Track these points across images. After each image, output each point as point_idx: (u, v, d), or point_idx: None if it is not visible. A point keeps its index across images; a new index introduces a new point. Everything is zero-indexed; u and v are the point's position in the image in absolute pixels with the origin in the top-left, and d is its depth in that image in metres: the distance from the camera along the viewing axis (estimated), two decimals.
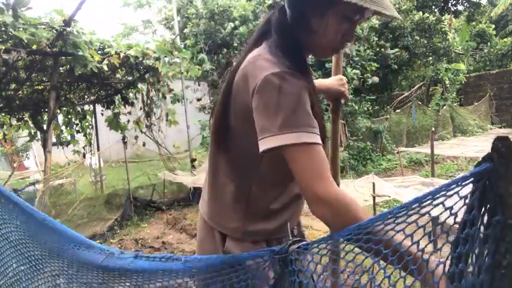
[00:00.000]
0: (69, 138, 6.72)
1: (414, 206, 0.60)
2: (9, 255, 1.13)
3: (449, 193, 0.55)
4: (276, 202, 1.09)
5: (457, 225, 0.54)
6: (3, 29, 3.42)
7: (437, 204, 0.57)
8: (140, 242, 4.60)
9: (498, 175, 0.49)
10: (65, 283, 1.06)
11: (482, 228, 0.51)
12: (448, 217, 0.56)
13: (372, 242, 0.67)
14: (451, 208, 0.56)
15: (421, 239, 0.61)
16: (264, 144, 0.88)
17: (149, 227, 5.27)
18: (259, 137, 0.90)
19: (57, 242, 1.06)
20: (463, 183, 0.54)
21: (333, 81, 1.37)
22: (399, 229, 0.63)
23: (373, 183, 3.50)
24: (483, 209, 0.51)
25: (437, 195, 0.57)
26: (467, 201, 0.54)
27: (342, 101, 1.42)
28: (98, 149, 7.00)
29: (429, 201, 0.58)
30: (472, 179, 0.53)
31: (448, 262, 0.56)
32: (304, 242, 0.78)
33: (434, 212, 0.58)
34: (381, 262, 0.68)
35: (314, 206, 0.87)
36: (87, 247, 1.00)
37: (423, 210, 0.59)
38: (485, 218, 0.51)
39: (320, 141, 0.89)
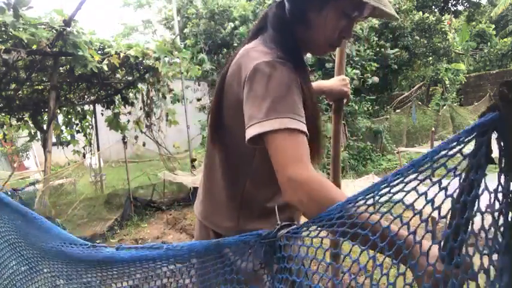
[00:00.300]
0: (69, 138, 6.72)
1: (410, 172, 0.53)
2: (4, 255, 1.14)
3: (451, 152, 0.47)
4: (272, 201, 1.06)
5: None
6: (3, 29, 3.42)
7: (438, 167, 0.49)
8: (140, 242, 4.60)
9: (506, 125, 0.42)
10: (51, 277, 1.07)
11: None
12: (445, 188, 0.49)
13: (359, 227, 0.61)
14: (454, 170, 0.48)
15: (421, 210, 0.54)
16: (248, 133, 0.85)
17: (149, 227, 5.27)
18: (246, 126, 0.87)
19: (44, 241, 1.06)
20: (465, 139, 0.46)
21: (336, 82, 1.36)
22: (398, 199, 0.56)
23: (373, 182, 3.50)
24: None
25: (437, 157, 0.49)
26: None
27: (344, 101, 1.41)
28: (98, 149, 6.99)
29: (427, 165, 0.50)
30: (475, 133, 0.45)
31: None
32: (294, 226, 0.74)
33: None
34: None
35: (289, 190, 0.80)
36: (71, 243, 1.00)
37: (421, 176, 0.52)
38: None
39: (305, 131, 0.85)
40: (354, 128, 8.53)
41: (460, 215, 0.49)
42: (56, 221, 3.77)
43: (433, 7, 12.44)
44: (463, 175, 0.48)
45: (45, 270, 1.09)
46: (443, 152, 0.48)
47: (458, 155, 0.48)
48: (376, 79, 8.70)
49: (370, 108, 9.53)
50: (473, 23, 15.42)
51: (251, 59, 0.91)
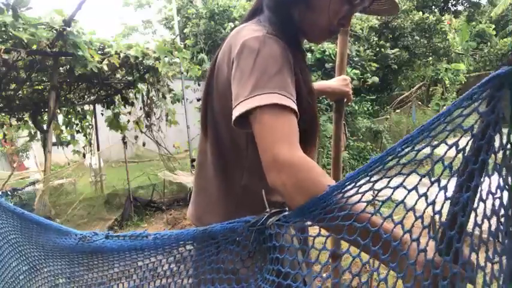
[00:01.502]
0: (69, 138, 6.72)
1: (421, 138, 0.47)
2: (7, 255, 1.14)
3: (466, 112, 0.44)
4: (274, 194, 0.92)
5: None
6: (3, 29, 3.42)
7: (453, 129, 0.45)
8: None
9: None
10: (48, 272, 1.07)
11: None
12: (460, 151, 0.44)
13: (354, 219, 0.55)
14: (471, 129, 0.43)
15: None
16: (234, 114, 0.77)
17: (149, 227, 5.27)
18: (232, 107, 0.79)
19: (39, 235, 1.07)
20: (480, 96, 0.42)
21: (337, 82, 1.36)
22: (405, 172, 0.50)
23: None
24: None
25: (450, 118, 0.44)
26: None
27: (346, 101, 1.41)
28: (98, 149, 7.00)
29: (442, 127, 0.45)
30: (490, 87, 0.41)
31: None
32: (285, 213, 0.67)
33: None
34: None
35: (273, 172, 0.72)
36: (63, 234, 1.00)
37: (436, 142, 0.47)
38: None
39: (296, 110, 0.76)
40: (354, 128, 8.53)
41: (478, 173, 0.45)
42: (55, 221, 3.77)
43: (433, 7, 12.44)
44: (479, 133, 0.44)
45: (45, 270, 1.09)
46: (457, 112, 0.44)
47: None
48: (376, 79, 8.71)
49: (370, 108, 9.54)
50: (473, 23, 15.42)
51: (241, 36, 0.85)
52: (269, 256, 0.68)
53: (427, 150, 0.49)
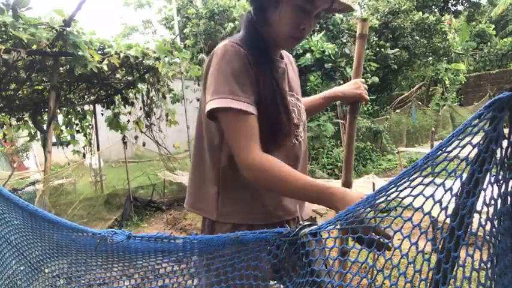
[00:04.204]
0: (69, 138, 6.72)
1: (439, 154, 0.56)
2: (10, 255, 1.14)
3: (475, 130, 0.52)
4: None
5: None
6: (3, 29, 3.42)
7: (465, 145, 0.53)
8: None
9: None
10: (66, 268, 1.07)
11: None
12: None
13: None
14: (478, 145, 0.52)
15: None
16: (205, 110, 0.99)
17: (149, 227, 5.28)
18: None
19: (53, 231, 1.06)
20: (486, 116, 0.50)
21: (349, 86, 1.39)
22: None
23: (373, 183, 3.50)
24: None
25: (463, 135, 0.53)
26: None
27: (363, 103, 1.42)
28: (98, 149, 6.99)
29: (455, 144, 0.53)
30: (493, 109, 0.49)
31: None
32: (316, 226, 0.74)
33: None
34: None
35: (245, 172, 0.97)
36: (79, 232, 1.00)
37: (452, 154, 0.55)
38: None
39: (249, 110, 0.96)
40: None
41: (482, 181, 0.54)
42: None
43: (433, 7, 12.44)
44: (483, 148, 0.53)
45: (46, 270, 1.09)
46: (468, 130, 0.52)
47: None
48: (376, 79, 8.71)
49: (370, 108, 9.54)
50: (473, 23, 15.42)
51: (216, 48, 1.04)
52: (299, 264, 0.74)
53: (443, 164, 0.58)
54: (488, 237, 0.54)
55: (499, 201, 0.52)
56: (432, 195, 0.57)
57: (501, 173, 0.52)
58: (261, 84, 1.01)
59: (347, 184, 1.29)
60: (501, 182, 0.52)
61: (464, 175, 0.55)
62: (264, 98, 1.01)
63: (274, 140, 1.05)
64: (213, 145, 1.10)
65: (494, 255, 0.53)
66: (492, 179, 0.53)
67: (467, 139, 0.52)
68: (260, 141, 1.00)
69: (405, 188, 0.61)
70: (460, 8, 14.11)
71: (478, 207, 0.54)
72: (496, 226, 0.53)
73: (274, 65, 1.11)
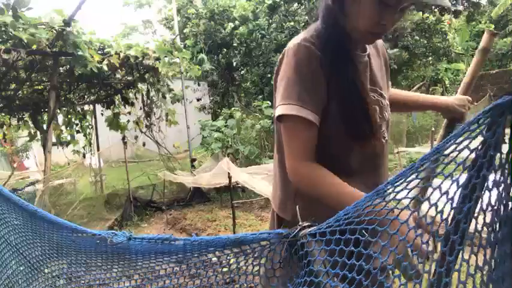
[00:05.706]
0: (69, 138, 6.72)
1: (436, 156, 0.55)
2: (10, 256, 1.14)
3: (473, 134, 0.51)
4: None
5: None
6: (3, 29, 3.42)
7: (463, 149, 0.52)
8: None
9: None
10: (66, 268, 1.07)
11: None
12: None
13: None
14: (476, 150, 0.51)
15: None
16: (275, 114, 0.99)
17: (149, 227, 5.27)
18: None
19: (53, 231, 1.06)
20: (485, 121, 0.49)
21: (454, 100, 1.26)
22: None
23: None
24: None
25: (460, 139, 0.52)
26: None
27: (461, 122, 1.27)
28: (98, 149, 6.99)
29: (453, 148, 0.53)
30: (492, 114, 0.48)
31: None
32: (316, 227, 0.73)
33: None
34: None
35: (293, 179, 0.98)
36: (78, 232, 1.00)
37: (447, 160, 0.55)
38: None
39: (310, 118, 0.93)
40: None
41: (480, 187, 0.53)
42: None
43: (433, 7, 12.43)
44: (481, 153, 0.52)
45: (46, 271, 1.09)
46: (466, 134, 0.52)
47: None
48: None
49: None
50: (473, 23, 15.42)
51: (289, 43, 1.00)
52: (299, 264, 0.75)
53: (439, 168, 0.58)
54: (484, 242, 0.53)
55: (498, 207, 0.52)
56: (428, 198, 0.57)
57: (501, 178, 0.51)
58: (334, 86, 0.96)
59: None
60: (501, 187, 0.51)
61: (461, 178, 0.55)
62: (338, 100, 0.96)
63: (355, 141, 1.00)
64: (282, 145, 1.07)
65: (491, 260, 0.53)
66: (491, 184, 0.52)
67: (465, 143, 0.51)
68: (340, 142, 0.98)
69: (402, 190, 0.61)
70: (460, 8, 14.13)
71: (476, 211, 0.54)
72: (495, 232, 0.53)
73: (353, 62, 1.01)
